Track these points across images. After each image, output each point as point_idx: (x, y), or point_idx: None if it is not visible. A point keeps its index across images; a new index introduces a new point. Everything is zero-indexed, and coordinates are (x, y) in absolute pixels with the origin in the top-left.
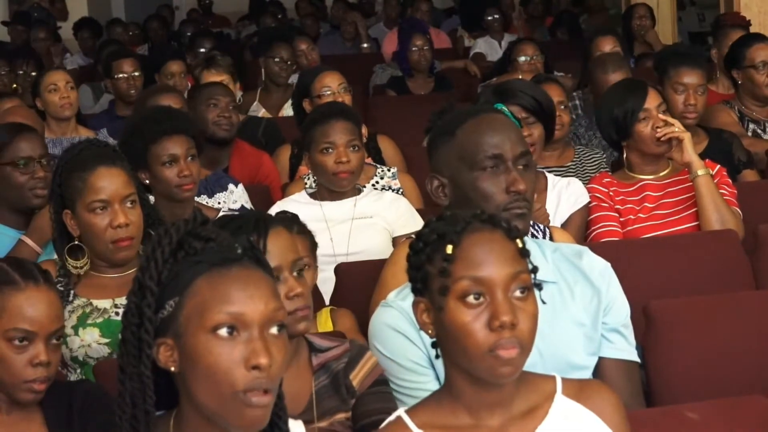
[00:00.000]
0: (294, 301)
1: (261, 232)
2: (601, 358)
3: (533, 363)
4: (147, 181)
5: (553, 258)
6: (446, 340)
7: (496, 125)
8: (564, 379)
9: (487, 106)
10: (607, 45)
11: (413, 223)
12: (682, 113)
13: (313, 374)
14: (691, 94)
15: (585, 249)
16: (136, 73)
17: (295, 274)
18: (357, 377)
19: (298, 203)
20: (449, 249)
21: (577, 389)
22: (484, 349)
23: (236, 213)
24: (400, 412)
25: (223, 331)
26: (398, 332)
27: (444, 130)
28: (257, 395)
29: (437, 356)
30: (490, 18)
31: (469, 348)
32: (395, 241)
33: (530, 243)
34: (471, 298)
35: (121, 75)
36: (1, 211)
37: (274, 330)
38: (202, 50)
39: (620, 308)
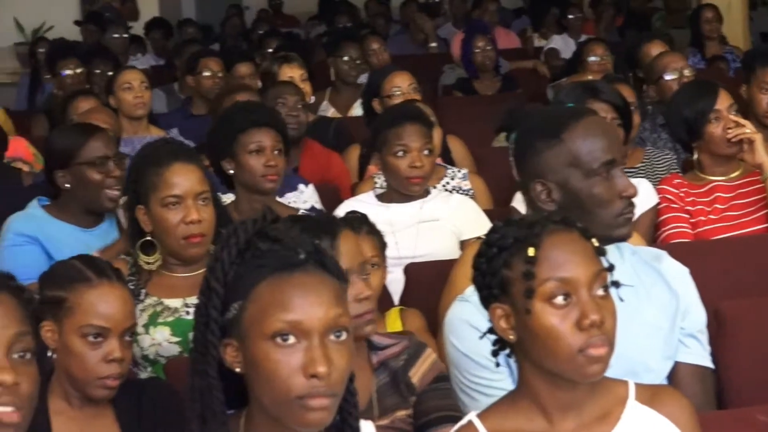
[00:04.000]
0: (362, 304)
1: (330, 235)
2: (676, 363)
3: (608, 364)
4: (231, 171)
5: (631, 261)
6: (532, 343)
7: (603, 128)
8: (637, 385)
9: (586, 109)
10: (657, 50)
11: (481, 225)
12: (766, 112)
13: (373, 372)
14: None
15: (664, 253)
16: (221, 74)
17: (363, 276)
18: (417, 374)
19: (364, 204)
20: (531, 251)
21: (649, 395)
22: (574, 349)
23: (309, 214)
24: (472, 416)
25: (282, 339)
26: (474, 328)
27: (545, 134)
28: (317, 400)
29: (497, 365)
30: (572, 17)
31: (558, 349)
32: (463, 244)
33: (610, 246)
34: (559, 300)
35: (207, 73)
36: (72, 210)
37: (335, 336)
38: (271, 51)
39: (697, 314)
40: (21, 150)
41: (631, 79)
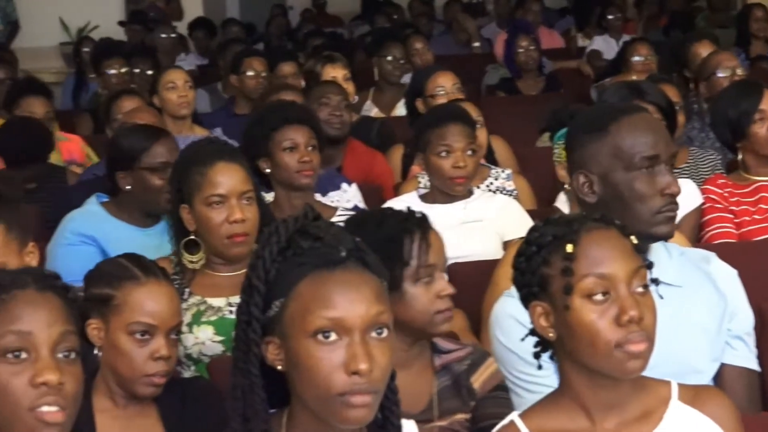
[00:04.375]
0: (443, 301)
1: (425, 229)
2: (722, 365)
3: (655, 364)
4: (267, 170)
5: (679, 261)
6: (571, 340)
7: (651, 125)
8: (680, 385)
9: (637, 105)
10: (705, 50)
11: (525, 226)
12: None
13: (435, 374)
14: None
15: (712, 254)
16: (264, 73)
17: (445, 275)
18: (478, 380)
19: (407, 204)
20: (570, 248)
21: (692, 395)
22: (613, 345)
23: (399, 211)
24: (513, 416)
25: (324, 336)
26: (519, 323)
27: (593, 126)
28: (358, 397)
29: (539, 367)
30: (611, 17)
31: (597, 345)
32: (506, 245)
33: (658, 245)
34: (598, 296)
35: (250, 72)
36: (130, 210)
37: (376, 334)
38: (314, 50)
39: (745, 316)
40: (76, 153)
41: (676, 78)
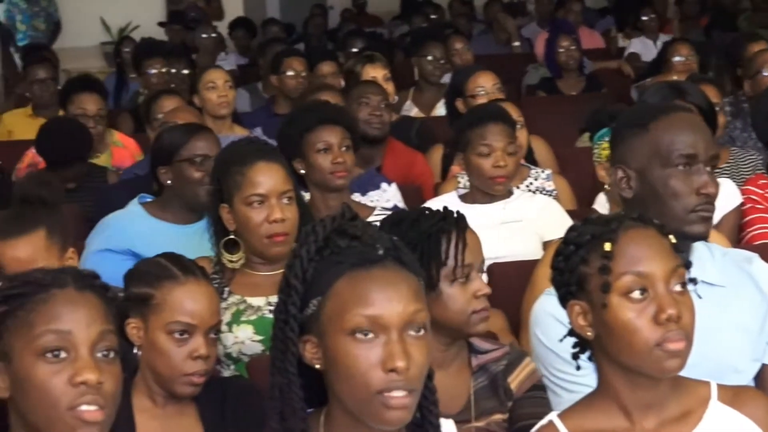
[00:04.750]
0: (480, 301)
1: (461, 228)
2: (763, 365)
3: (695, 364)
4: (302, 171)
5: (721, 262)
6: (609, 339)
7: (692, 124)
8: (719, 385)
9: (682, 104)
10: (761, 49)
11: (564, 226)
12: None
13: (472, 375)
14: None
15: (755, 255)
16: (304, 73)
17: (480, 274)
18: (515, 380)
19: (447, 204)
20: (608, 246)
21: (732, 395)
22: (651, 343)
23: (436, 210)
24: (552, 416)
25: (362, 334)
26: (559, 322)
27: (636, 122)
28: (396, 396)
29: (578, 368)
30: (645, 18)
31: (635, 344)
32: (545, 245)
33: (700, 246)
34: (636, 294)
35: (290, 72)
36: (172, 207)
37: (414, 332)
38: (355, 50)
39: None
40: (127, 161)
41: (728, 77)
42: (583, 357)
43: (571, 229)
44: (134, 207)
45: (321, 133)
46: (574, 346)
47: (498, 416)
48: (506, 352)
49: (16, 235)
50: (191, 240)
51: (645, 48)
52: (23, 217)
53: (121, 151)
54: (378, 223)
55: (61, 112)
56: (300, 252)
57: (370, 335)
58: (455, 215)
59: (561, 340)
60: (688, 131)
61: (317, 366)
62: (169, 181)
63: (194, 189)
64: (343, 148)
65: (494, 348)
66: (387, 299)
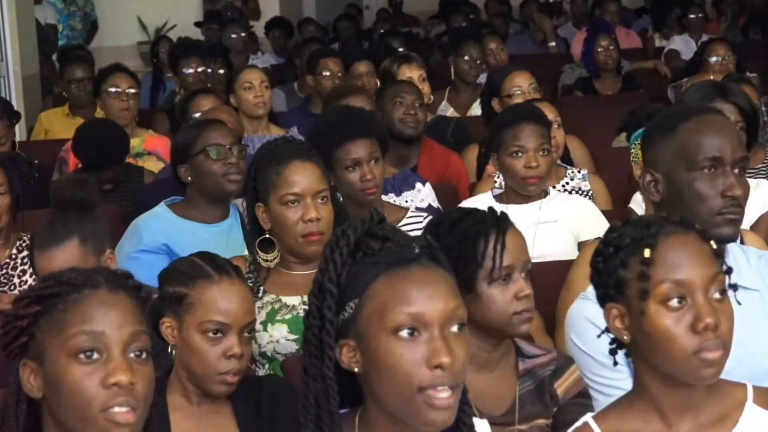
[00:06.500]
0: (522, 302)
1: (501, 229)
2: None
3: (731, 368)
4: (332, 183)
5: (757, 265)
6: (646, 344)
7: (719, 127)
8: (755, 387)
9: (710, 107)
10: None
11: (600, 227)
12: None
13: (518, 378)
14: None
15: None
16: (340, 74)
17: (523, 275)
18: (562, 386)
19: (482, 204)
20: (647, 252)
21: None
22: (688, 352)
23: (474, 208)
24: (587, 417)
25: (404, 332)
26: (595, 325)
27: (663, 126)
28: (440, 397)
29: (615, 363)
30: (693, 16)
31: (672, 352)
32: (581, 245)
33: (735, 248)
34: (674, 302)
35: (326, 73)
36: (197, 206)
37: (454, 328)
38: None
39: None
40: (161, 147)
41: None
42: (620, 360)
43: (610, 230)
44: (160, 209)
45: (349, 148)
46: (611, 343)
47: (541, 421)
48: (554, 357)
49: (49, 247)
50: (218, 237)
51: (686, 46)
52: (56, 226)
53: (153, 139)
54: (412, 225)
55: (98, 112)
56: (333, 256)
57: (414, 333)
58: (496, 216)
59: (598, 336)
60: (715, 134)
61: (355, 369)
62: (189, 178)
63: (215, 180)
64: (372, 162)
65: (542, 353)
66: (427, 297)
